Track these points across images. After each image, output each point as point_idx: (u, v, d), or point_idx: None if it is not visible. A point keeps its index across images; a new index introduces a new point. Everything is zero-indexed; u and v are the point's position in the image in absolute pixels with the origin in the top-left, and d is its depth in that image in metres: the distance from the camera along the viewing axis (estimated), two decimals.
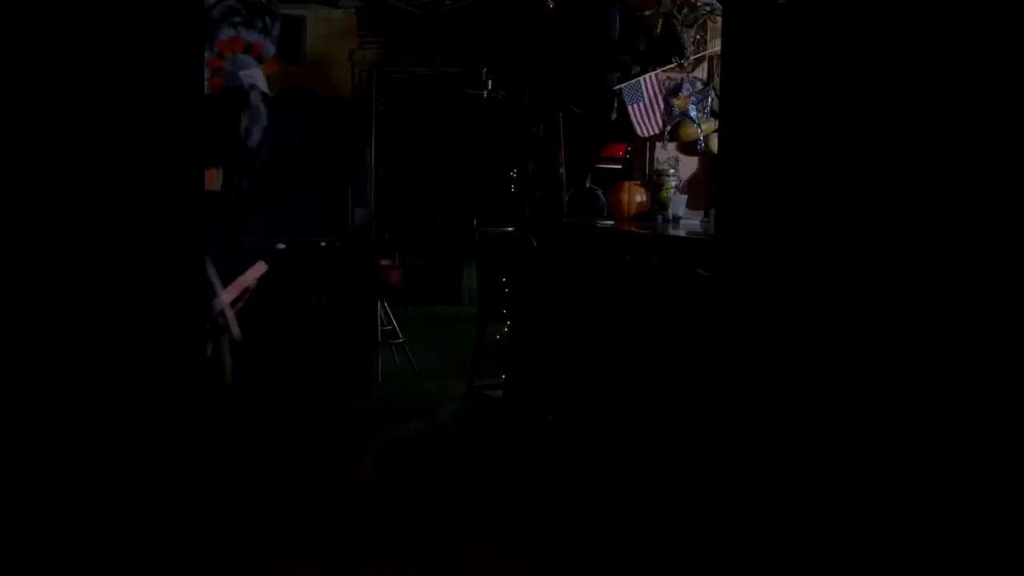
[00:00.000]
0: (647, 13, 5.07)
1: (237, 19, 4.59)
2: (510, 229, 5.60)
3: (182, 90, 1.58)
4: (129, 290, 1.45)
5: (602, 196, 5.15)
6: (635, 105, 4.93)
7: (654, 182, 5.02)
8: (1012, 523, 1.35)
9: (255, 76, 4.57)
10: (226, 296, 4.10)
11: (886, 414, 1.59)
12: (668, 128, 4.95)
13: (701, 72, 5.03)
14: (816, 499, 1.79)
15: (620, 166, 5.44)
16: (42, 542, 1.37)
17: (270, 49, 4.76)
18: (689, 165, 5.15)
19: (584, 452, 4.31)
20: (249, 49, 4.65)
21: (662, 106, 4.92)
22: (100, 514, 1.45)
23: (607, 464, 4.04)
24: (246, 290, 4.32)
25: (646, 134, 5.00)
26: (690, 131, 4.93)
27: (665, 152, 5.12)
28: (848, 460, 1.69)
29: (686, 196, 4.93)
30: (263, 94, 4.60)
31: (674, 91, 4.93)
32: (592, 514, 3.69)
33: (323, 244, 5.53)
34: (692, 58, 4.93)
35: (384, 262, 6.79)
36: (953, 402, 1.45)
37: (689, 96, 4.91)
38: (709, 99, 4.90)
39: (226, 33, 4.59)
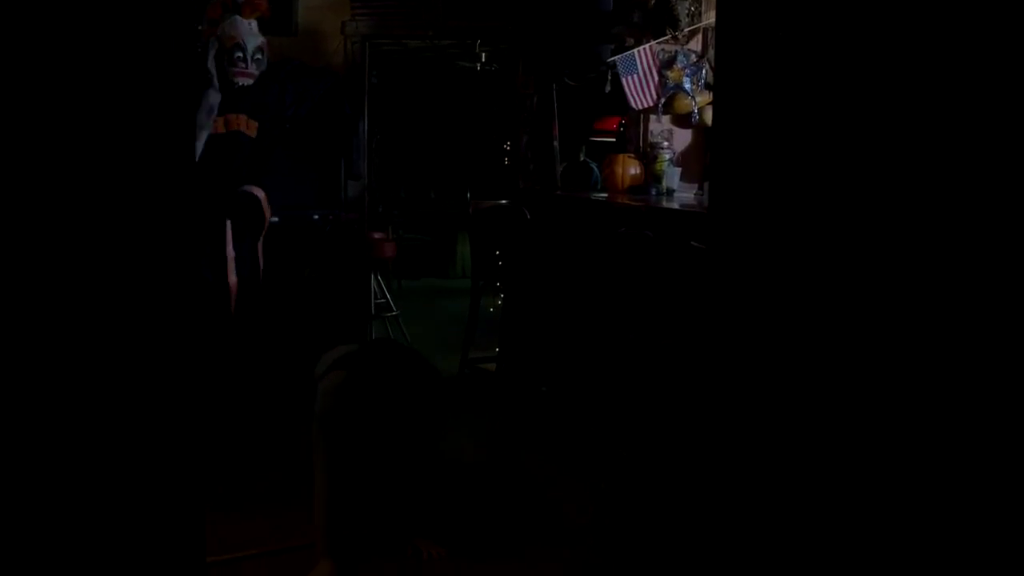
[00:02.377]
0: None
1: None
2: (504, 202, 5.60)
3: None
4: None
5: (596, 169, 5.15)
6: (629, 77, 4.91)
7: (648, 155, 5.01)
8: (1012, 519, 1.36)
9: (236, 25, 4.72)
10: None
11: (879, 387, 1.60)
12: (662, 100, 4.93)
13: (695, 44, 5.01)
14: (807, 464, 1.80)
15: (614, 139, 5.43)
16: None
17: None
18: (683, 138, 5.14)
19: (576, 422, 4.33)
20: (237, 8, 4.77)
21: (656, 78, 4.90)
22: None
23: (599, 430, 4.06)
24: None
25: (640, 106, 4.98)
26: (684, 103, 4.91)
27: (659, 125, 5.10)
28: (844, 432, 1.70)
29: (680, 169, 4.93)
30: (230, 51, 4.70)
31: (668, 63, 4.91)
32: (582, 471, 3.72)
33: (316, 217, 5.52)
34: (686, 30, 4.90)
35: (377, 235, 6.78)
36: (947, 377, 1.46)
37: (683, 68, 4.89)
38: (703, 71, 4.88)
39: None
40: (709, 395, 2.24)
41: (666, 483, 3.38)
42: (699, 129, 5.07)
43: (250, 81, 4.71)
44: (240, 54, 4.69)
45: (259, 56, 4.79)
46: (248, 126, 4.76)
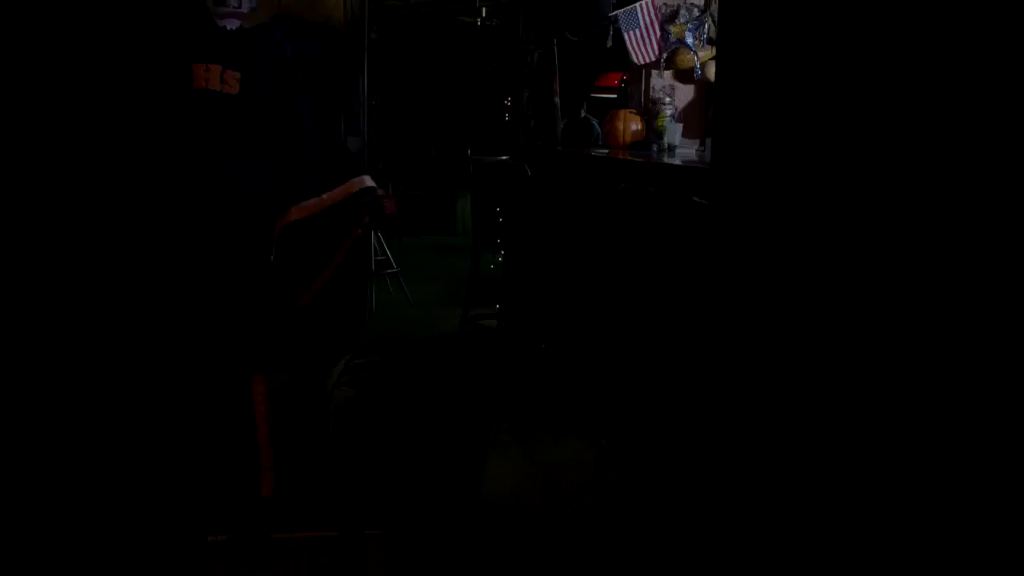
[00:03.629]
0: None
1: None
2: (504, 158, 5.57)
3: None
4: None
5: (597, 125, 5.13)
6: (631, 32, 4.87)
7: (650, 111, 4.99)
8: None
9: None
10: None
11: (882, 347, 1.60)
12: (664, 56, 4.90)
13: None
14: (808, 424, 1.81)
15: (615, 95, 5.40)
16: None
17: None
18: (685, 93, 5.11)
19: (576, 379, 4.35)
20: None
21: (658, 33, 4.86)
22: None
23: (600, 387, 4.07)
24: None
25: (642, 62, 4.95)
26: (686, 59, 4.88)
27: (661, 80, 5.07)
28: (847, 392, 1.71)
29: (682, 125, 4.90)
30: None
31: (670, 18, 4.87)
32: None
33: None
34: None
35: (378, 192, 6.75)
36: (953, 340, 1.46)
37: (685, 23, 4.85)
38: (706, 26, 4.84)
39: None
40: (710, 351, 2.24)
41: (667, 440, 3.39)
42: (701, 85, 5.04)
43: (238, 24, 3.51)
44: None
45: None
46: (227, 80, 3.42)
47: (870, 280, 1.62)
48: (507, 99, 6.18)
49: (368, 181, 3.72)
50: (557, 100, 5.32)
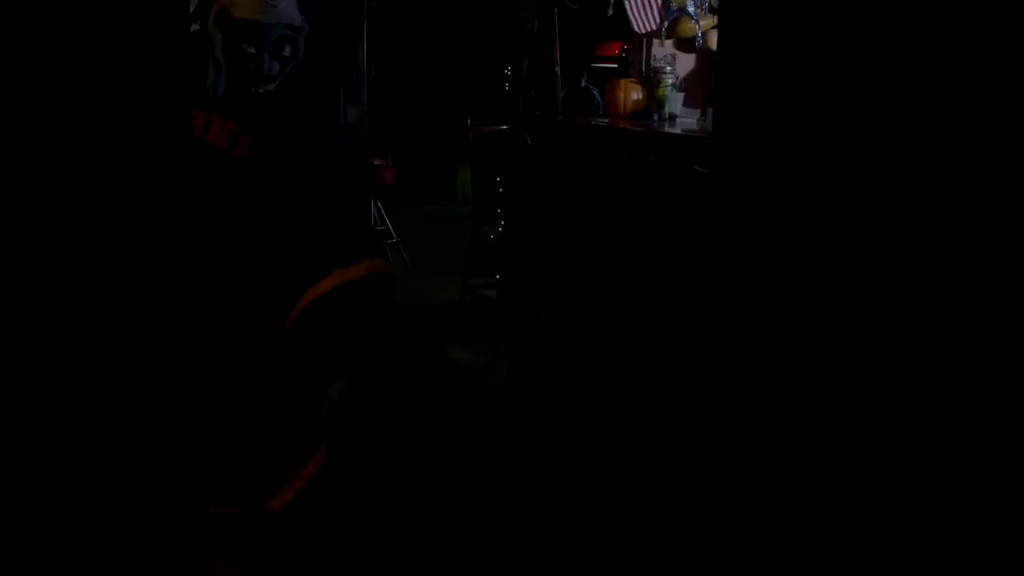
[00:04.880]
0: None
1: None
2: (504, 127, 5.56)
3: None
4: None
5: (597, 95, 5.10)
6: (632, 1, 4.84)
7: (650, 80, 4.96)
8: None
9: None
10: None
11: (880, 316, 1.61)
12: (665, 24, 4.87)
13: None
14: (807, 390, 1.82)
15: (616, 64, 5.37)
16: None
17: None
18: (686, 62, 5.08)
19: (577, 349, 4.36)
20: None
21: (659, 1, 4.82)
22: None
23: (600, 357, 4.09)
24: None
25: (643, 30, 4.92)
26: (688, 27, 4.85)
27: (662, 49, 5.04)
28: (842, 356, 1.71)
29: (682, 94, 4.88)
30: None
31: None
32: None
33: None
34: None
35: (377, 162, 6.75)
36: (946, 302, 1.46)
37: None
38: None
39: None
40: (711, 319, 2.25)
41: (669, 411, 3.41)
42: (702, 54, 5.01)
43: (271, 87, 3.07)
44: (252, 48, 2.98)
45: (286, 50, 3.08)
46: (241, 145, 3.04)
47: (870, 249, 1.63)
48: (507, 68, 6.15)
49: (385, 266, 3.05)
50: (557, 69, 5.29)
